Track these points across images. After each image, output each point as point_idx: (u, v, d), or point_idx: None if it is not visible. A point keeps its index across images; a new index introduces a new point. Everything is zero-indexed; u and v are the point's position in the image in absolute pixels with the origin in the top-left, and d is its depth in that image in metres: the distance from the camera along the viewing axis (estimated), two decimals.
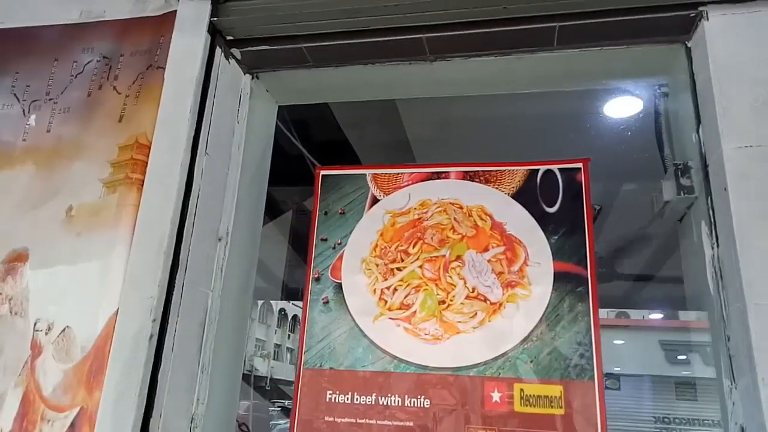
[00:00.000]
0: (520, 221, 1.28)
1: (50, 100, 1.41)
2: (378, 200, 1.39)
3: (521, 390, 1.16)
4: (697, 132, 1.19)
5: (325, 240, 1.38)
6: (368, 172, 1.42)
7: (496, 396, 1.16)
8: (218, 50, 1.37)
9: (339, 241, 1.37)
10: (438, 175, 1.38)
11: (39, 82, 1.43)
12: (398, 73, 1.45)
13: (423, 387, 1.20)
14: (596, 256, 1.24)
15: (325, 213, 1.40)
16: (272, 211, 1.54)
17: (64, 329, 1.16)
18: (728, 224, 1.04)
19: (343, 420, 1.21)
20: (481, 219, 1.31)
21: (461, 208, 1.33)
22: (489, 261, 1.26)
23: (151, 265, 1.14)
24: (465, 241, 1.29)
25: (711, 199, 1.12)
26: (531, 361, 1.17)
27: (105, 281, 1.17)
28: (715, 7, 1.18)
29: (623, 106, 1.84)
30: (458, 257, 1.28)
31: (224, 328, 1.30)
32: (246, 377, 1.43)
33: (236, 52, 1.43)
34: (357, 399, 1.22)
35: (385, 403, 1.20)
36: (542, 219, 1.28)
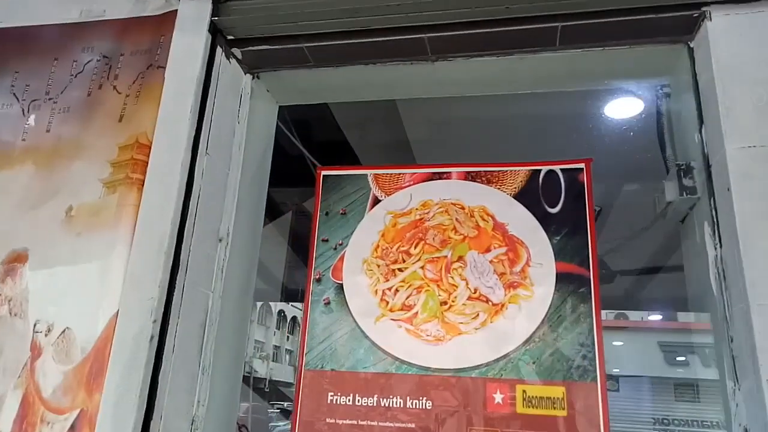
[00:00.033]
0: (522, 222, 1.28)
1: (50, 99, 1.40)
2: (379, 200, 1.38)
3: (523, 391, 1.15)
4: (700, 132, 1.18)
5: (326, 241, 1.37)
6: (370, 173, 1.41)
7: (498, 397, 1.16)
8: (219, 50, 1.37)
9: (340, 242, 1.36)
10: (440, 176, 1.38)
11: (39, 82, 1.43)
12: (400, 73, 1.44)
13: (425, 388, 1.20)
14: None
15: (326, 213, 1.40)
16: (271, 212, 1.53)
17: (64, 330, 1.15)
18: (731, 224, 1.03)
19: (344, 422, 1.21)
20: (483, 219, 1.30)
21: (463, 208, 1.33)
22: (491, 262, 1.26)
23: (152, 266, 1.14)
24: (467, 242, 1.29)
25: (714, 199, 1.12)
26: (533, 363, 1.17)
27: (105, 282, 1.16)
28: (718, 7, 1.18)
29: (625, 107, 1.84)
30: (460, 258, 1.27)
31: (225, 330, 1.29)
32: (245, 379, 1.43)
33: (237, 51, 1.42)
34: (358, 400, 1.22)
35: (386, 405, 1.20)
36: (544, 219, 1.27)
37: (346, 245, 1.35)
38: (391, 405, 1.20)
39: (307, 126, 2.24)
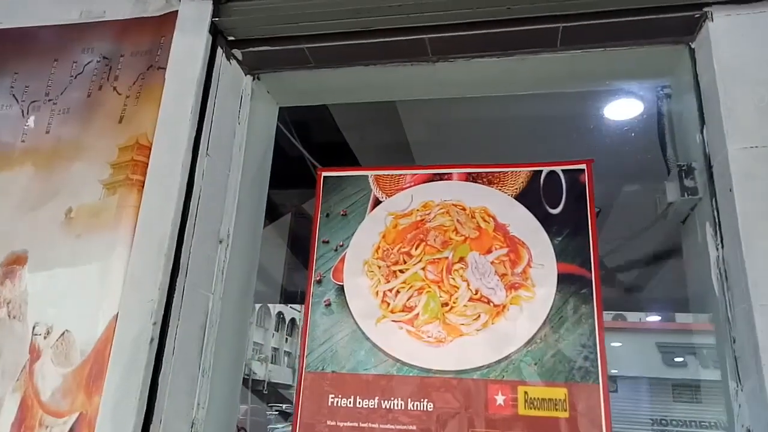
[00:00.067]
0: (523, 223, 1.28)
1: (49, 100, 1.39)
2: (380, 202, 1.38)
3: (525, 393, 1.15)
4: (701, 133, 1.18)
5: (327, 242, 1.37)
6: (370, 174, 1.41)
7: (500, 399, 1.15)
8: (219, 51, 1.36)
9: (341, 243, 1.36)
10: (440, 177, 1.37)
11: (38, 83, 1.42)
12: (400, 74, 1.44)
13: (426, 390, 1.19)
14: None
15: (327, 215, 1.39)
16: (270, 213, 1.53)
17: (63, 333, 1.14)
18: (733, 225, 1.03)
19: (345, 424, 1.20)
20: (484, 220, 1.30)
21: (464, 209, 1.32)
22: (492, 263, 1.26)
23: (152, 268, 1.13)
24: (468, 243, 1.28)
25: (716, 200, 1.12)
26: (535, 364, 1.16)
27: (105, 284, 1.16)
28: (719, 8, 1.18)
29: (625, 107, 1.84)
30: (461, 259, 1.27)
31: (225, 332, 1.28)
32: (244, 381, 1.43)
33: (237, 52, 1.42)
34: (359, 402, 1.21)
35: (387, 407, 1.19)
36: (546, 220, 1.27)
37: (347, 246, 1.35)
38: (392, 407, 1.19)
39: (306, 127, 2.23)
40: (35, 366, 1.14)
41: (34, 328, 1.17)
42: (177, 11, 1.37)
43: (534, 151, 1.43)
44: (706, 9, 1.19)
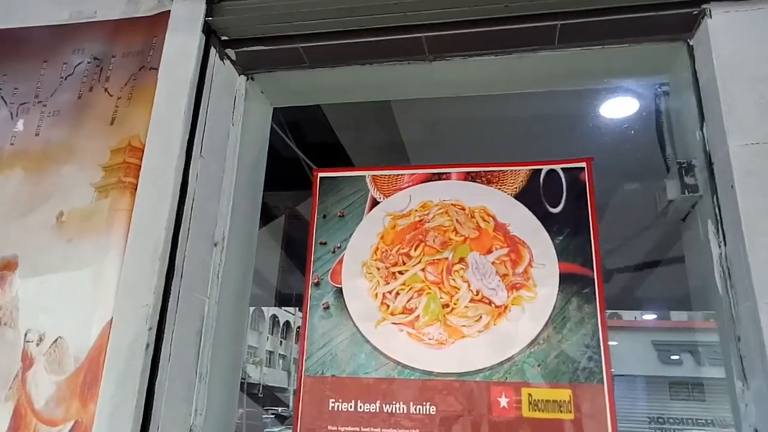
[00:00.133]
0: (523, 222, 1.26)
1: (39, 102, 1.37)
2: (378, 202, 1.36)
3: (529, 395, 1.14)
4: (701, 130, 1.18)
5: (325, 244, 1.35)
6: (368, 174, 1.39)
7: (503, 401, 1.14)
8: (213, 51, 1.34)
9: (338, 245, 1.34)
10: (439, 176, 1.36)
11: (27, 85, 1.39)
12: (396, 73, 1.43)
13: (428, 393, 1.17)
14: None
15: (324, 216, 1.37)
16: (264, 215, 1.51)
17: (56, 340, 1.12)
18: (736, 222, 1.02)
19: (346, 428, 1.18)
20: (484, 220, 1.29)
21: (463, 209, 1.31)
22: (493, 263, 1.24)
23: (146, 272, 1.11)
24: (468, 243, 1.27)
25: (717, 197, 1.11)
26: (538, 365, 1.15)
27: (98, 289, 1.13)
28: (718, 4, 1.17)
29: (623, 105, 1.84)
30: (461, 260, 1.26)
31: (221, 336, 1.26)
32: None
33: (231, 52, 1.40)
34: (360, 407, 1.19)
35: (389, 411, 1.18)
36: (546, 219, 1.26)
37: (345, 248, 1.33)
38: (394, 411, 1.17)
39: (300, 128, 2.22)
40: (28, 374, 1.11)
41: (26, 334, 1.14)
42: (169, 11, 1.34)
43: (532, 150, 1.42)
44: (704, 6, 1.18)
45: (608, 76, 1.47)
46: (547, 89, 1.55)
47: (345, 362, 1.24)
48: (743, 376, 1.02)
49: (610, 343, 1.18)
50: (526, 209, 1.27)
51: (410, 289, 1.25)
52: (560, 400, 1.12)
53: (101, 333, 1.09)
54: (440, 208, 1.32)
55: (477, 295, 1.22)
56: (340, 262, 1.32)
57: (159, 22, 1.35)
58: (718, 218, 1.10)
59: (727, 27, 1.15)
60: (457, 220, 1.30)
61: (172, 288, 1.13)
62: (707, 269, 1.13)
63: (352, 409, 1.19)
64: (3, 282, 1.20)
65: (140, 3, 1.40)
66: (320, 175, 1.42)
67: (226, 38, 1.37)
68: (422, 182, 1.36)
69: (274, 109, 1.62)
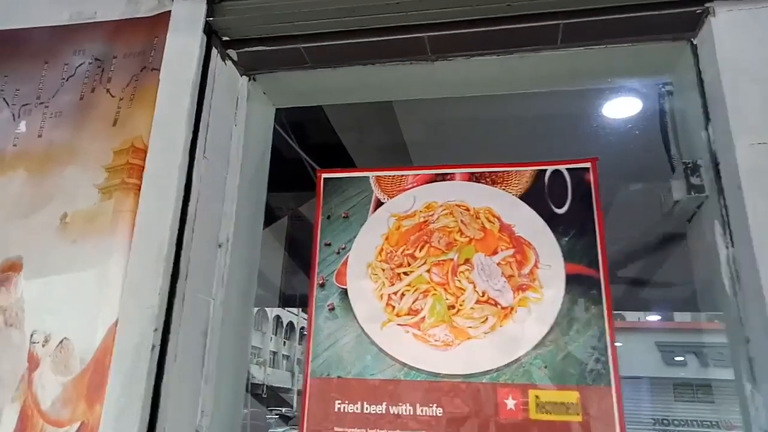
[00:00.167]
0: (529, 223, 1.26)
1: (41, 104, 1.36)
2: (382, 203, 1.36)
3: (536, 397, 1.13)
4: (706, 130, 1.17)
5: (329, 245, 1.34)
6: (371, 175, 1.39)
7: (510, 403, 1.13)
8: (214, 51, 1.34)
9: (343, 246, 1.33)
10: (443, 177, 1.35)
11: (29, 86, 1.39)
12: (398, 73, 1.42)
13: (434, 395, 1.17)
14: None
15: (328, 217, 1.37)
16: (267, 216, 1.51)
17: (61, 341, 1.11)
18: (744, 223, 1.02)
19: (353, 430, 1.18)
20: (489, 221, 1.28)
21: (468, 210, 1.30)
22: (498, 264, 1.24)
23: (151, 273, 1.10)
24: (473, 244, 1.26)
25: (724, 197, 1.10)
26: (545, 367, 1.14)
27: (103, 290, 1.13)
28: (721, 3, 1.17)
29: (626, 106, 1.83)
30: (467, 261, 1.25)
31: (227, 338, 1.26)
32: None
33: (232, 53, 1.39)
34: (367, 408, 1.19)
35: (396, 412, 1.17)
36: (552, 220, 1.25)
37: (350, 249, 1.32)
38: (400, 413, 1.17)
39: (302, 129, 2.21)
40: (34, 375, 1.11)
41: (31, 336, 1.14)
42: (170, 11, 1.34)
43: (535, 151, 1.41)
44: (708, 4, 1.17)
45: (611, 76, 1.47)
46: (549, 89, 1.55)
47: (351, 363, 1.23)
48: (753, 378, 1.01)
49: (615, 344, 1.18)
50: (531, 210, 1.27)
51: (415, 290, 1.25)
52: (568, 402, 1.11)
53: (107, 334, 1.09)
54: (445, 209, 1.31)
55: (483, 296, 1.21)
56: (345, 263, 1.32)
57: (160, 22, 1.34)
58: (725, 219, 1.09)
59: (731, 26, 1.15)
60: (462, 220, 1.29)
61: (177, 289, 1.13)
62: (714, 270, 1.12)
63: (359, 411, 1.19)
64: (8, 283, 1.19)
65: (140, 3, 1.39)
66: (324, 176, 1.42)
67: (227, 39, 1.37)
68: (426, 183, 1.35)
69: (276, 110, 1.62)
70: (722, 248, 1.10)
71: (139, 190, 1.19)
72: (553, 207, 1.26)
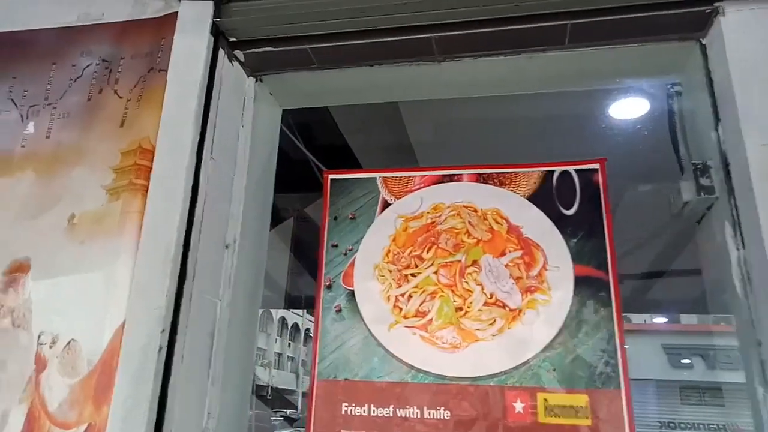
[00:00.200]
0: (537, 224, 1.25)
1: (49, 105, 1.37)
2: (389, 204, 1.35)
3: (545, 400, 1.12)
4: (716, 130, 1.16)
5: (336, 246, 1.34)
6: (378, 176, 1.38)
7: (518, 406, 1.12)
8: (221, 52, 1.34)
9: (350, 247, 1.33)
10: (450, 178, 1.35)
11: (37, 87, 1.39)
12: (405, 74, 1.42)
13: (442, 398, 1.16)
14: None
15: (335, 218, 1.36)
16: (273, 218, 1.51)
17: (69, 342, 1.11)
18: (755, 225, 1.01)
19: None
20: (497, 222, 1.27)
21: (475, 211, 1.30)
22: (506, 266, 1.23)
23: (158, 274, 1.10)
24: (481, 246, 1.26)
25: (734, 199, 1.09)
26: (554, 370, 1.13)
27: (110, 291, 1.13)
28: (731, 3, 1.16)
29: (635, 106, 1.82)
30: (474, 262, 1.24)
31: (233, 339, 1.25)
32: None
33: (239, 54, 1.39)
34: (374, 411, 1.18)
35: (403, 415, 1.16)
36: (560, 221, 1.24)
37: (357, 250, 1.32)
38: (408, 415, 1.16)
39: (308, 130, 2.21)
40: (41, 376, 1.11)
41: (39, 337, 1.14)
42: (177, 12, 1.34)
43: (542, 151, 1.40)
44: (717, 4, 1.16)
45: (619, 77, 1.46)
46: (557, 90, 1.54)
47: (358, 366, 1.22)
48: (765, 381, 1.00)
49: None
50: (540, 211, 1.26)
51: (423, 291, 1.24)
52: (577, 406, 1.10)
53: (114, 336, 1.09)
54: (452, 210, 1.31)
55: (491, 298, 1.21)
56: (352, 264, 1.31)
57: (167, 23, 1.34)
58: (736, 220, 1.08)
59: (741, 25, 1.14)
60: (469, 222, 1.29)
61: (184, 290, 1.12)
62: (725, 272, 1.11)
63: (366, 413, 1.18)
64: (16, 284, 1.20)
65: (147, 4, 1.40)
66: (331, 177, 1.41)
67: (234, 40, 1.37)
68: (433, 184, 1.35)
69: (283, 111, 1.62)
70: (733, 250, 1.08)
71: (147, 191, 1.19)
72: (562, 208, 1.25)
